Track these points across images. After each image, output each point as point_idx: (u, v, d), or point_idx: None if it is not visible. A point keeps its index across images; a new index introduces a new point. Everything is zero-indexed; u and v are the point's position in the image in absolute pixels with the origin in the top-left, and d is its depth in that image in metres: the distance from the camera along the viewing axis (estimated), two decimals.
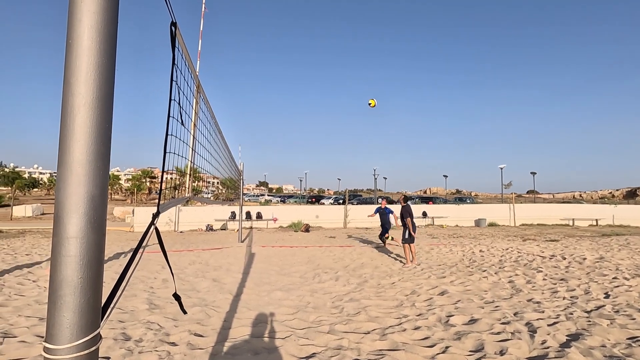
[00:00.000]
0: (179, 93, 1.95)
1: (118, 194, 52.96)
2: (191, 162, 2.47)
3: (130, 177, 54.36)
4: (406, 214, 7.72)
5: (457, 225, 18.38)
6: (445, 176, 47.78)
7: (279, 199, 50.04)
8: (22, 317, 4.11)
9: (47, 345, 0.81)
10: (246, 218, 16.69)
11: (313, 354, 3.12)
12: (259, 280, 6.11)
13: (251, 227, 16.78)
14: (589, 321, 3.95)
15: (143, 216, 15.38)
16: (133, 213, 16.91)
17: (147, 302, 4.77)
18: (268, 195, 60.50)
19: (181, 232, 15.38)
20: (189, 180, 2.48)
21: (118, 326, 3.85)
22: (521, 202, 25.13)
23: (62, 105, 0.85)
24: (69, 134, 0.83)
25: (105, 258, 8.28)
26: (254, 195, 55.37)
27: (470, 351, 3.22)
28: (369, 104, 9.10)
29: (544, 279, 6.07)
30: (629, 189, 67.07)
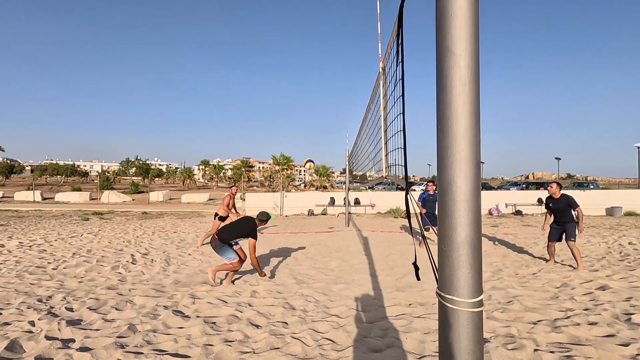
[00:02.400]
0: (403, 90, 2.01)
1: (222, 181, 59.07)
2: (385, 142, 2.56)
3: (231, 167, 60.02)
4: (574, 204, 5.85)
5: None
6: (558, 159, 41.93)
7: (366, 186, 49.84)
8: (198, 285, 4.86)
9: (445, 295, 0.89)
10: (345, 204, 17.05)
11: (485, 339, 3.03)
12: (386, 263, 6.19)
13: (349, 213, 17.10)
14: None
15: (254, 201, 16.87)
16: (242, 198, 18.66)
17: (291, 277, 5.22)
18: (356, 182, 60.91)
19: (286, 216, 16.46)
20: (385, 160, 2.56)
21: (279, 297, 4.29)
22: None
23: (442, 76, 0.90)
24: (456, 103, 0.88)
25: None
26: (341, 182, 56.33)
27: None
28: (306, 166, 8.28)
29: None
30: None
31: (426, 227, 7.47)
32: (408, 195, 1.60)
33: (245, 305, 3.95)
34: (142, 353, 2.79)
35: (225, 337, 3.10)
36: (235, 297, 4.29)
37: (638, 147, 24.77)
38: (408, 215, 1.61)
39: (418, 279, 1.86)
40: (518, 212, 16.45)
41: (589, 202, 16.80)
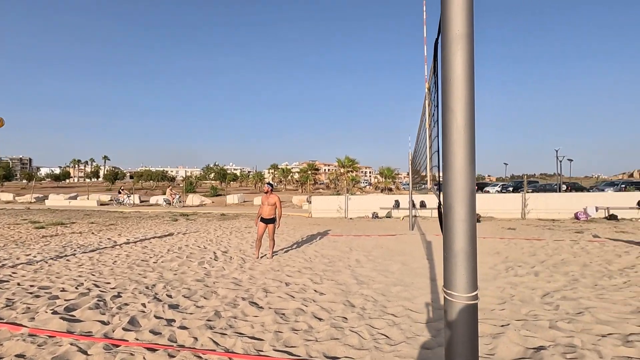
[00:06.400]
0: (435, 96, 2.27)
1: (290, 184, 61.77)
2: (430, 158, 2.80)
3: (298, 170, 62.45)
4: None
5: None
6: None
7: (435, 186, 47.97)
8: (270, 280, 5.47)
9: (448, 291, 1.17)
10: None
11: (541, 346, 3.04)
12: None
13: (415, 216, 16.84)
14: None
15: (319, 204, 17.56)
16: (309, 201, 19.48)
17: (353, 278, 5.56)
18: (421, 182, 58.93)
19: (350, 218, 16.82)
20: (429, 172, 2.79)
21: (340, 294, 4.67)
22: None
23: (444, 125, 1.19)
24: (456, 147, 1.16)
25: (303, 238, 9.93)
26: (406, 184, 54.99)
27: None
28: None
29: None
30: None
31: None
32: (440, 209, 1.85)
33: (310, 301, 4.40)
34: (226, 334, 3.38)
35: (292, 326, 3.57)
36: (302, 293, 4.78)
37: None
38: (441, 225, 1.86)
39: None
40: (612, 217, 14.59)
41: None
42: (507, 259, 6.98)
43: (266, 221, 7.32)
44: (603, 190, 26.36)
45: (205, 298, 4.56)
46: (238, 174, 79.72)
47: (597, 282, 5.21)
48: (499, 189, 34.13)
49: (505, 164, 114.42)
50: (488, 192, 33.19)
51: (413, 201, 17.28)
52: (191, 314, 3.97)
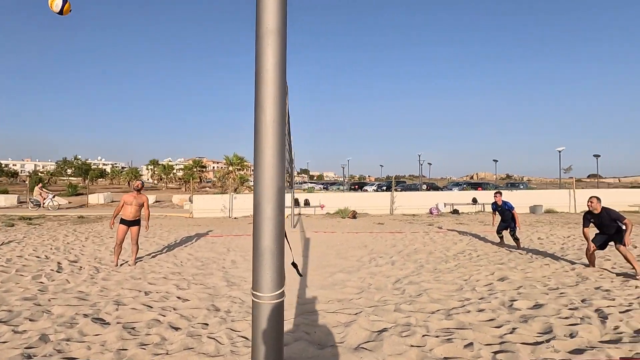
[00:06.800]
0: None
1: (172, 182, 56.71)
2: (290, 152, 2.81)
3: (182, 166, 57.81)
4: (619, 217, 5.47)
5: None
6: (495, 160, 45.61)
7: (321, 186, 50.75)
8: (127, 290, 4.82)
9: (256, 292, 1.14)
10: (295, 205, 17.32)
11: (384, 328, 3.41)
12: (319, 263, 6.51)
13: (299, 214, 17.40)
14: None
15: (201, 203, 16.53)
16: (191, 200, 18.19)
17: (224, 280, 5.34)
18: (310, 182, 61.53)
19: (235, 218, 16.34)
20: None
21: (207, 299, 4.40)
22: (582, 188, 23.43)
23: (256, 121, 1.16)
24: (264, 143, 1.14)
25: (177, 241, 9.16)
26: (296, 183, 56.67)
27: (538, 333, 3.33)
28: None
29: (612, 267, 5.85)
30: None
31: (513, 233, 7.95)
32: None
33: (170, 310, 4.02)
34: None
35: (141, 341, 3.18)
36: (162, 301, 4.34)
37: (559, 151, 27.74)
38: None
39: (300, 275, 2.14)
40: (455, 211, 17.75)
41: (516, 202, 18.56)
42: (372, 251, 7.74)
43: (129, 223, 6.46)
44: (451, 189, 31.96)
45: (31, 320, 3.72)
46: (108, 170, 69.33)
47: (437, 267, 6.20)
48: (375, 188, 38.01)
49: (380, 165, 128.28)
50: (366, 190, 36.65)
51: (297, 199, 17.84)
52: (3, 342, 3.17)
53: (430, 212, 17.61)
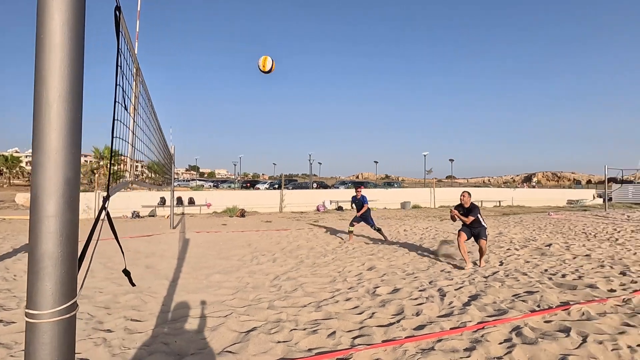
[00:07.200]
0: (122, 77, 1.94)
1: (19, 178, 46.06)
2: (132, 145, 2.45)
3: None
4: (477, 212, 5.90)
5: (385, 208, 19.78)
6: (376, 162, 50.62)
7: (211, 184, 48.27)
8: None
9: (30, 311, 0.91)
10: (177, 204, 15.97)
11: (254, 327, 3.34)
12: (196, 264, 6.08)
13: (183, 213, 16.13)
14: (486, 284, 4.77)
15: None
16: None
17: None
18: (199, 180, 57.96)
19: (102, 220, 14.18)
20: (130, 164, 2.45)
21: None
22: (441, 187, 27.86)
23: (35, 97, 0.93)
24: (45, 123, 0.91)
25: (15, 249, 7.44)
26: (184, 180, 52.62)
27: (392, 315, 3.73)
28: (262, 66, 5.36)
29: (455, 252, 7.03)
30: (526, 174, 78.16)
31: (372, 226, 8.66)
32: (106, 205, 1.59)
33: None
34: None
35: None
36: None
37: (424, 155, 32.46)
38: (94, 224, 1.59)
39: (133, 284, 1.89)
40: (339, 208, 18.98)
41: (390, 198, 20.94)
42: (255, 249, 7.63)
43: None
44: (338, 187, 34.20)
45: None
46: None
47: (315, 261, 6.46)
48: (267, 186, 38.02)
49: (274, 164, 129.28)
50: (258, 189, 36.34)
51: (181, 198, 16.51)
52: None
53: (318, 210, 18.44)
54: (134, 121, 2.47)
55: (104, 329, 3.34)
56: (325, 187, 37.83)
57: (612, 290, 4.43)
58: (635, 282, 4.75)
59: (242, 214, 15.48)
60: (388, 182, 45.28)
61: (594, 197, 26.15)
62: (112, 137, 1.64)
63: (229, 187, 41.85)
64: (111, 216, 1.66)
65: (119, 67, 1.73)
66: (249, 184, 41.36)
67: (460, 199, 5.95)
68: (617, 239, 8.44)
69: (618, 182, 27.13)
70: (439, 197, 21.62)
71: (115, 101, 1.66)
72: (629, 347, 2.86)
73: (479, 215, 5.83)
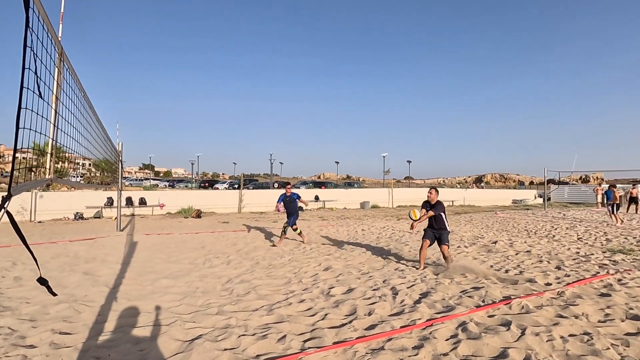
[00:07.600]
0: (35, 61, 1.69)
1: None
2: (52, 139, 2.18)
3: None
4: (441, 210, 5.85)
5: (345, 208, 19.99)
6: (337, 162, 51.14)
7: (166, 183, 46.11)
8: None
9: None
10: (126, 204, 15.01)
11: (200, 335, 3.15)
12: (142, 269, 5.69)
13: (133, 215, 15.19)
14: (436, 281, 4.91)
15: None
16: None
17: None
18: (154, 179, 55.12)
19: (39, 222, 12.97)
20: (51, 160, 2.18)
21: None
22: (399, 187, 28.72)
23: None
24: None
25: None
26: (136, 180, 49.71)
27: (345, 315, 3.70)
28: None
29: (409, 251, 7.20)
30: (477, 176, 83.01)
31: (292, 225, 8.16)
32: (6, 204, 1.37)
33: None
34: None
35: None
36: None
37: (383, 156, 33.27)
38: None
39: (54, 294, 1.68)
40: (299, 208, 18.87)
41: (350, 198, 21.20)
42: (209, 251, 7.32)
43: None
44: (299, 187, 34.03)
45: None
46: None
47: (272, 262, 6.31)
48: (227, 186, 36.98)
49: (234, 163, 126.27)
50: (217, 188, 35.22)
51: (131, 198, 15.54)
52: None
53: (278, 210, 18.17)
54: (56, 112, 2.20)
55: (25, 344, 2.98)
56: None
57: (548, 284, 4.74)
58: (569, 276, 5.14)
59: (198, 214, 14.88)
60: (349, 182, 45.95)
61: (535, 197, 28.32)
62: (17, 127, 1.43)
63: (186, 186, 40.17)
64: (14, 217, 1.44)
65: (28, 48, 1.51)
66: (207, 184, 39.93)
67: (427, 195, 5.95)
68: (554, 236, 9.14)
69: (556, 183, 29.64)
70: (396, 197, 22.25)
71: (21, 86, 1.44)
72: (561, 337, 3.04)
73: (442, 215, 5.77)
